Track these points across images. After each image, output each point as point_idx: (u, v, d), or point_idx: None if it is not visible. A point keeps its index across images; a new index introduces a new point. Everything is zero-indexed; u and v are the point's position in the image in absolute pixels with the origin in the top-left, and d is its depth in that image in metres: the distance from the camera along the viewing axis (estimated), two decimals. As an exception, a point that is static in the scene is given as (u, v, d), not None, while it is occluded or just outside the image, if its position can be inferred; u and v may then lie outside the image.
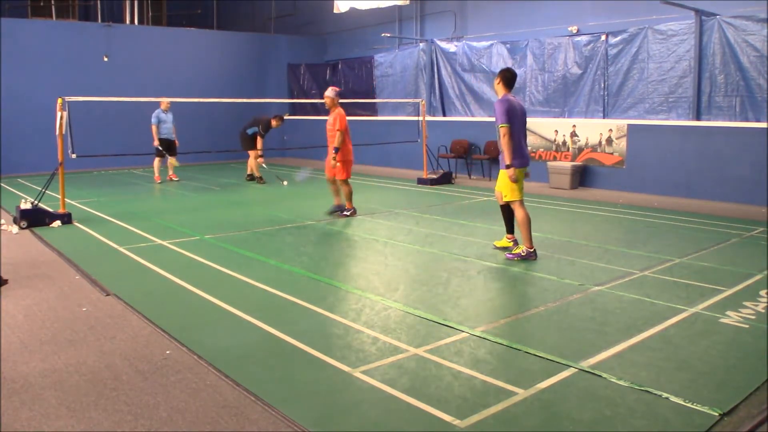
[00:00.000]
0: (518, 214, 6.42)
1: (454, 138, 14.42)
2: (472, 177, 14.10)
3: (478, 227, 8.10)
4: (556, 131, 12.70)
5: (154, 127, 12.58)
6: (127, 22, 18.17)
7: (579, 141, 12.31)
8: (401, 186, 12.55)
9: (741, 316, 4.59)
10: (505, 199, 6.51)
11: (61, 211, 8.44)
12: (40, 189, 8.81)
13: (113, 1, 19.27)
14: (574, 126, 12.41)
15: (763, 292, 5.19)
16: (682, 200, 10.41)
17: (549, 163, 12.41)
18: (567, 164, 12.00)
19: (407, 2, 15.66)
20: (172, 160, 13.02)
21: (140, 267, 6.09)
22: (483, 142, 13.99)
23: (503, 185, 6.51)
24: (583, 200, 10.59)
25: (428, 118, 14.16)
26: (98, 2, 18.50)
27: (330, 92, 8.65)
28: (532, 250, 6.34)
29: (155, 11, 21.73)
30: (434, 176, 12.81)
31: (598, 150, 12.01)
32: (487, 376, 3.56)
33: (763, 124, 9.88)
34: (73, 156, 8.48)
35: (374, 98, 16.95)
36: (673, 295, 5.12)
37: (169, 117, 12.74)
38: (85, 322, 4.50)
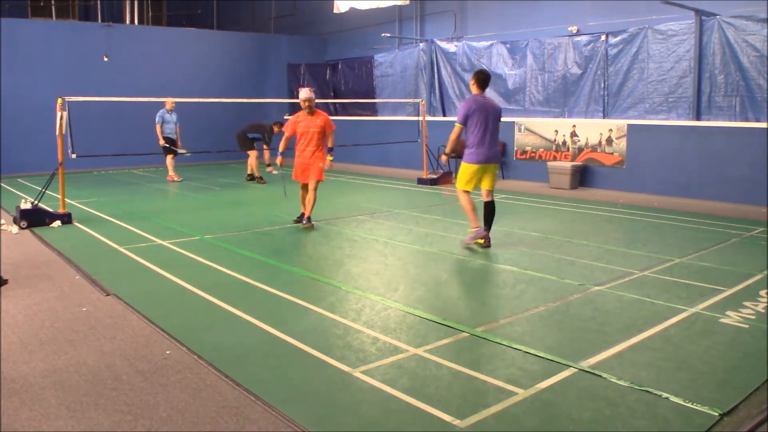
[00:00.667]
0: (462, 200, 7.11)
1: (454, 138, 14.41)
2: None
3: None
4: (556, 131, 12.70)
5: (158, 127, 12.64)
6: (127, 22, 18.17)
7: (579, 141, 12.32)
8: (401, 186, 12.55)
9: (741, 316, 4.59)
10: (457, 186, 7.16)
11: (61, 211, 8.44)
12: (40, 189, 8.81)
13: (113, 1, 19.27)
14: (574, 126, 12.41)
15: (763, 292, 5.19)
16: (682, 200, 10.41)
17: (549, 163, 12.41)
18: (567, 164, 12.00)
19: (407, 2, 15.66)
20: (170, 159, 13.04)
21: (140, 267, 6.09)
22: (483, 142, 13.97)
23: (458, 175, 7.15)
24: (583, 200, 10.59)
25: (428, 118, 14.17)
26: (98, 2, 18.50)
27: (311, 92, 8.00)
28: (478, 227, 6.96)
29: (155, 11, 21.73)
30: (434, 176, 12.81)
31: (598, 150, 12.02)
32: (487, 376, 3.56)
33: (763, 124, 9.88)
34: (73, 156, 8.48)
35: (374, 98, 16.95)
36: (673, 295, 5.12)
37: (173, 117, 12.83)
38: (85, 322, 4.50)
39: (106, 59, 16.23)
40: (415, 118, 14.42)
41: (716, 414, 3.12)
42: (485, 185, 6.98)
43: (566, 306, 4.88)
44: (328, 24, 19.06)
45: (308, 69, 18.95)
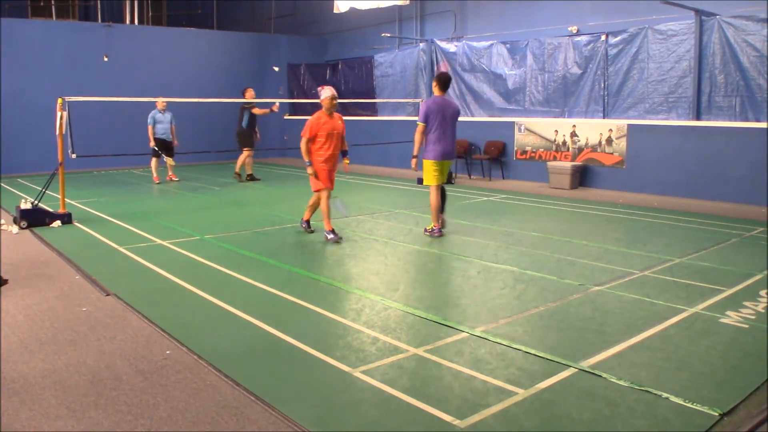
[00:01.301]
0: (431, 196, 7.51)
1: (454, 138, 14.41)
2: (472, 177, 14.10)
3: (477, 227, 8.10)
4: (556, 131, 12.70)
5: (150, 128, 12.48)
6: (127, 22, 18.16)
7: (579, 141, 12.32)
8: (401, 186, 12.54)
9: (741, 316, 4.59)
10: (425, 182, 7.60)
11: (61, 211, 8.43)
12: (40, 189, 8.81)
13: (113, 1, 19.26)
14: (574, 126, 12.41)
15: (763, 292, 5.19)
16: (682, 200, 10.41)
17: (549, 163, 12.42)
18: (567, 164, 12.00)
19: (407, 2, 15.66)
20: (169, 161, 12.83)
21: (140, 267, 6.09)
22: (483, 142, 13.99)
23: (423, 171, 7.58)
24: (583, 200, 10.59)
25: (428, 118, 14.14)
26: (98, 2, 18.50)
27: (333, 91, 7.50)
28: (437, 228, 7.50)
29: (155, 11, 21.72)
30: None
31: (598, 150, 12.02)
32: (487, 376, 3.56)
33: (763, 124, 9.88)
34: (73, 156, 8.47)
35: (374, 98, 16.94)
36: (673, 295, 5.12)
37: (166, 117, 12.60)
38: (85, 322, 4.50)
39: (106, 59, 16.22)
40: (415, 118, 14.35)
41: (716, 414, 3.12)
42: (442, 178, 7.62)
43: (566, 306, 4.88)
44: (328, 24, 19.06)
45: (308, 69, 18.95)
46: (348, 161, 8.01)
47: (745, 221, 8.52)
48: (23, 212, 8.02)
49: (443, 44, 15.13)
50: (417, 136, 7.46)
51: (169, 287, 5.42)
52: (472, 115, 14.52)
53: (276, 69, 12.27)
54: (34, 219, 8.06)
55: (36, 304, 4.91)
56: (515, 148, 13.45)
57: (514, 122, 13.41)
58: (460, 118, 13.73)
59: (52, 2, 19.92)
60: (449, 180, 13.02)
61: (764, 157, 9.70)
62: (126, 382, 3.52)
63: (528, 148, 13.23)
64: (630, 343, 4.06)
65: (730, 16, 10.31)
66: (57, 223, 8.14)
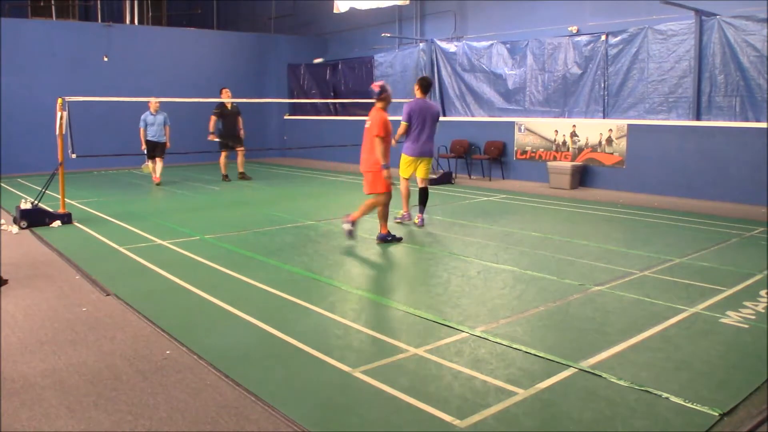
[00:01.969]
0: (401, 186, 8.10)
1: (454, 138, 14.42)
2: (472, 177, 14.10)
3: (478, 227, 8.10)
4: (556, 131, 12.70)
5: (141, 131, 12.27)
6: (127, 22, 18.17)
7: (579, 141, 12.32)
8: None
9: (741, 316, 4.59)
10: (400, 173, 8.12)
11: (61, 211, 8.43)
12: (40, 189, 8.81)
13: (113, 1, 19.27)
14: (574, 126, 12.41)
15: (763, 292, 5.19)
16: (682, 200, 10.41)
17: (549, 163, 12.42)
18: (567, 164, 12.00)
19: (407, 2, 15.66)
20: (158, 162, 12.46)
21: (140, 267, 6.09)
22: (483, 142, 13.99)
23: (400, 164, 8.08)
24: (583, 200, 10.59)
25: (428, 118, 14.15)
26: (98, 2, 18.50)
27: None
28: (407, 213, 8.25)
29: (155, 11, 21.73)
30: (434, 176, 12.76)
31: (598, 150, 12.02)
32: (487, 376, 3.56)
33: (763, 124, 9.88)
34: (73, 156, 8.48)
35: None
36: (673, 295, 5.12)
37: (158, 119, 12.29)
38: (85, 322, 4.50)
39: (106, 59, 16.23)
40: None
41: (716, 414, 3.12)
42: (420, 174, 8.15)
43: (566, 306, 4.87)
44: (328, 24, 19.07)
45: (308, 69, 18.96)
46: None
47: (745, 221, 8.52)
48: (23, 212, 8.02)
49: (443, 44, 15.13)
50: (399, 131, 7.96)
51: (169, 287, 5.42)
52: (472, 115, 14.52)
53: (319, 60, 12.12)
54: (34, 219, 8.06)
55: (36, 304, 4.91)
56: (515, 148, 13.45)
57: (514, 122, 13.41)
58: (460, 119, 13.78)
59: (52, 2, 19.93)
60: (449, 180, 13.08)
61: (764, 157, 9.70)
62: (126, 382, 3.52)
63: (528, 148, 13.23)
64: (630, 343, 4.06)
65: (730, 16, 10.31)
66: (57, 223, 8.14)
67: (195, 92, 16.20)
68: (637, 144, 11.43)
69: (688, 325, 4.43)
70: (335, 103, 18.40)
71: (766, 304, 4.87)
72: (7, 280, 5.45)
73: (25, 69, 14.97)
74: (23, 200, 8.29)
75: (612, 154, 11.81)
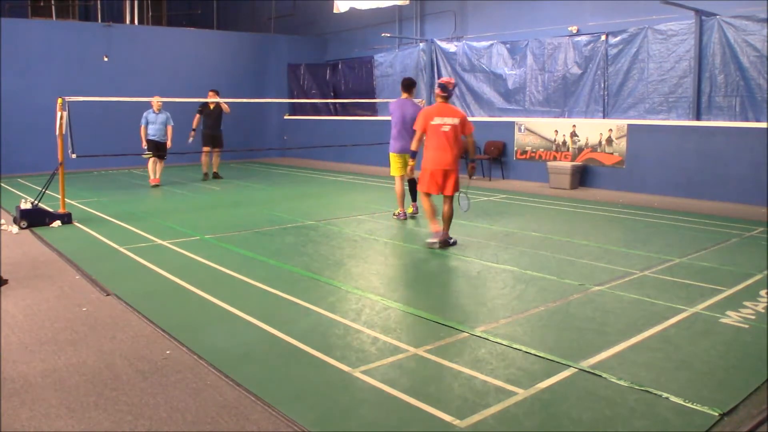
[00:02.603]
0: (396, 186, 8.58)
1: (454, 138, 14.40)
2: (471, 177, 14.08)
3: (478, 227, 8.10)
4: (556, 131, 12.70)
5: (142, 128, 12.12)
6: (127, 22, 18.16)
7: (579, 141, 12.32)
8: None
9: (741, 316, 4.59)
10: (391, 173, 8.62)
11: (61, 211, 8.43)
12: (40, 189, 8.80)
13: (113, 1, 19.27)
14: (574, 126, 12.41)
15: (763, 292, 5.19)
16: (682, 200, 10.41)
17: (549, 163, 12.41)
18: (567, 164, 12.00)
19: (407, 2, 15.66)
20: (158, 163, 12.30)
21: (140, 267, 6.09)
22: (483, 142, 13.98)
23: (390, 162, 8.59)
24: (583, 200, 10.59)
25: (428, 118, 14.15)
26: (98, 2, 18.50)
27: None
28: (403, 212, 8.58)
29: (155, 11, 21.73)
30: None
31: (598, 150, 12.02)
32: (487, 376, 3.56)
33: (763, 124, 9.88)
34: (73, 156, 8.47)
35: (374, 98, 16.94)
36: (673, 295, 5.12)
37: (160, 118, 12.13)
38: (85, 322, 4.50)
39: (106, 59, 16.23)
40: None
41: (716, 414, 3.12)
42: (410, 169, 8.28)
43: (566, 306, 4.87)
44: (328, 24, 19.06)
45: (308, 69, 18.96)
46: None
47: (745, 221, 8.52)
48: (23, 212, 8.02)
49: (443, 44, 15.13)
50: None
51: (169, 287, 5.42)
52: (472, 115, 14.52)
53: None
54: (34, 219, 8.06)
55: (36, 304, 4.91)
56: (515, 148, 13.45)
57: (514, 122, 13.41)
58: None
59: (52, 2, 19.93)
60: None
61: (764, 157, 9.70)
62: (126, 382, 3.52)
63: (528, 148, 13.23)
64: (630, 343, 4.06)
65: (730, 16, 10.31)
66: (57, 223, 8.14)
67: (195, 92, 16.16)
68: (637, 144, 11.43)
69: (688, 325, 4.43)
70: (335, 103, 18.40)
71: (766, 304, 4.87)
72: (7, 280, 5.45)
73: (25, 69, 14.96)
74: (23, 200, 8.28)
75: (612, 154, 11.80)
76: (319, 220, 8.62)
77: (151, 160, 12.32)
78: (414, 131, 7.27)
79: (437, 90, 6.92)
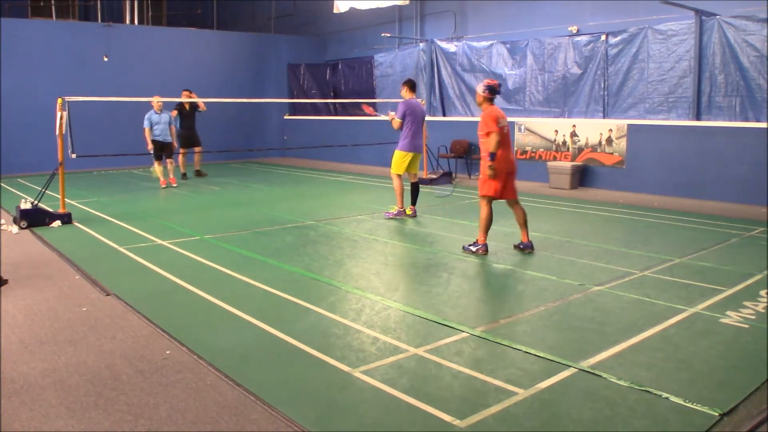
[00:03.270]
0: (395, 182, 8.65)
1: (454, 138, 14.42)
2: (472, 177, 14.09)
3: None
4: (556, 131, 12.70)
5: (146, 131, 11.96)
6: (127, 22, 18.16)
7: (579, 141, 12.31)
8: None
9: (741, 316, 4.59)
10: (391, 171, 8.67)
11: (61, 211, 8.43)
12: (40, 189, 8.81)
13: (113, 1, 19.26)
14: (574, 126, 12.41)
15: (763, 292, 5.19)
16: (682, 200, 10.41)
17: (549, 163, 12.41)
18: (567, 164, 12.00)
19: (407, 2, 15.66)
20: (169, 163, 12.31)
21: (140, 267, 6.09)
22: (483, 142, 13.98)
23: (393, 160, 8.64)
24: (583, 200, 10.59)
25: (428, 118, 14.15)
26: (98, 2, 18.49)
27: (479, 87, 6.73)
28: (402, 209, 8.66)
29: (155, 11, 21.72)
30: (434, 176, 12.82)
31: (598, 150, 12.01)
32: (487, 376, 3.56)
33: (763, 124, 9.88)
34: (73, 156, 8.47)
35: (374, 98, 16.95)
36: (673, 295, 5.12)
37: (163, 118, 12.07)
38: (85, 322, 4.50)
39: (106, 59, 16.22)
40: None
41: (716, 414, 3.12)
42: (413, 170, 8.70)
43: (566, 306, 4.87)
44: (328, 24, 19.06)
45: (308, 69, 18.96)
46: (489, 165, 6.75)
47: (745, 221, 8.52)
48: (23, 212, 8.02)
49: (443, 44, 15.13)
50: (396, 126, 8.67)
51: (169, 287, 5.42)
52: (472, 115, 14.51)
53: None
54: (34, 219, 8.07)
55: (36, 304, 4.91)
56: (515, 148, 13.44)
57: (514, 122, 13.40)
58: (460, 119, 13.91)
59: (52, 2, 19.91)
60: (449, 180, 13.09)
61: (764, 157, 9.70)
62: (126, 382, 3.52)
63: (528, 148, 13.23)
64: (630, 343, 4.06)
65: (730, 16, 10.31)
66: (57, 223, 8.14)
67: (195, 92, 16.18)
68: (637, 144, 11.42)
69: (688, 325, 4.43)
70: (335, 103, 18.40)
71: (766, 304, 4.87)
72: (7, 280, 5.45)
73: (25, 69, 14.96)
74: (23, 200, 8.29)
75: (612, 154, 11.80)
76: (319, 220, 8.62)
77: (157, 163, 12.21)
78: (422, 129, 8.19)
79: (485, 93, 6.58)
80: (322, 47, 19.75)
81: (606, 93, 12.11)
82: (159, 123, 12.08)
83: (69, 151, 8.45)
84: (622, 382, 3.48)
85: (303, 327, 4.39)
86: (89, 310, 4.77)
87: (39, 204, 8.29)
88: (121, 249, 6.83)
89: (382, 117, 9.54)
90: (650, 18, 11.55)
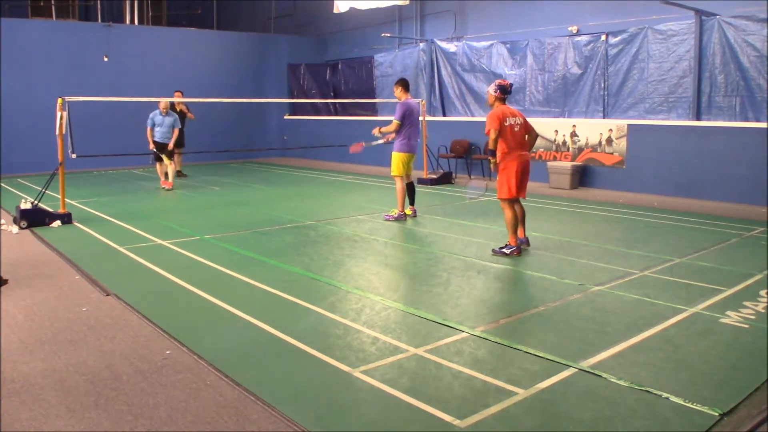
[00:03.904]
0: (397, 185, 8.54)
1: (454, 138, 14.42)
2: (472, 177, 14.09)
3: (478, 227, 8.10)
4: (556, 131, 12.70)
5: (148, 130, 11.91)
6: (127, 22, 18.16)
7: (579, 141, 12.31)
8: (401, 186, 12.52)
9: (741, 316, 4.59)
10: (392, 174, 8.59)
11: (61, 211, 8.43)
12: (40, 189, 8.81)
13: (113, 1, 19.26)
14: (574, 126, 12.41)
15: (763, 292, 5.19)
16: (682, 200, 10.41)
17: (549, 163, 12.41)
18: (567, 164, 12.00)
19: (407, 2, 15.66)
20: (166, 163, 12.02)
21: (140, 267, 6.09)
22: (483, 142, 13.97)
23: (392, 163, 8.54)
24: (583, 200, 10.59)
25: (428, 118, 14.16)
26: (98, 2, 18.50)
27: (490, 87, 6.73)
28: (402, 213, 8.53)
29: (155, 11, 21.72)
30: (434, 176, 12.82)
31: (598, 150, 12.01)
32: (487, 376, 3.56)
33: (763, 124, 9.88)
34: (73, 156, 8.48)
35: (374, 98, 16.95)
36: (673, 295, 5.12)
37: (167, 121, 11.97)
38: (85, 322, 4.50)
39: (106, 59, 16.23)
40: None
41: (716, 414, 3.12)
42: (409, 170, 8.68)
43: (566, 306, 4.87)
44: (328, 24, 19.06)
45: (308, 69, 18.96)
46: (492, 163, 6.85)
47: (745, 221, 8.52)
48: (23, 212, 8.02)
49: (443, 44, 15.13)
50: (392, 129, 8.61)
51: (169, 287, 5.42)
52: (472, 115, 14.52)
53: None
54: (34, 219, 8.06)
55: (36, 304, 4.91)
56: (515, 148, 13.42)
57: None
58: (460, 119, 14.01)
59: (52, 2, 19.91)
60: (449, 180, 13.09)
61: (764, 157, 9.70)
62: (126, 382, 3.52)
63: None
64: (630, 343, 4.06)
65: (730, 16, 10.31)
66: (57, 223, 8.14)
67: (195, 92, 16.19)
68: (637, 144, 11.42)
69: (688, 325, 4.43)
70: (335, 103, 18.40)
71: (766, 304, 4.87)
72: (7, 280, 5.45)
73: (25, 69, 14.95)
74: (23, 200, 8.29)
75: (612, 154, 11.80)
76: (319, 220, 8.62)
77: (158, 163, 12.16)
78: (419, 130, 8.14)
79: (497, 93, 6.56)
80: (322, 47, 19.75)
81: (606, 93, 12.11)
82: (161, 125, 12.00)
83: (69, 151, 8.45)
84: (622, 382, 3.48)
85: (303, 327, 4.39)
86: (89, 310, 4.77)
87: (39, 204, 8.29)
88: (121, 249, 6.83)
89: (373, 143, 9.45)
90: (650, 18, 11.55)
